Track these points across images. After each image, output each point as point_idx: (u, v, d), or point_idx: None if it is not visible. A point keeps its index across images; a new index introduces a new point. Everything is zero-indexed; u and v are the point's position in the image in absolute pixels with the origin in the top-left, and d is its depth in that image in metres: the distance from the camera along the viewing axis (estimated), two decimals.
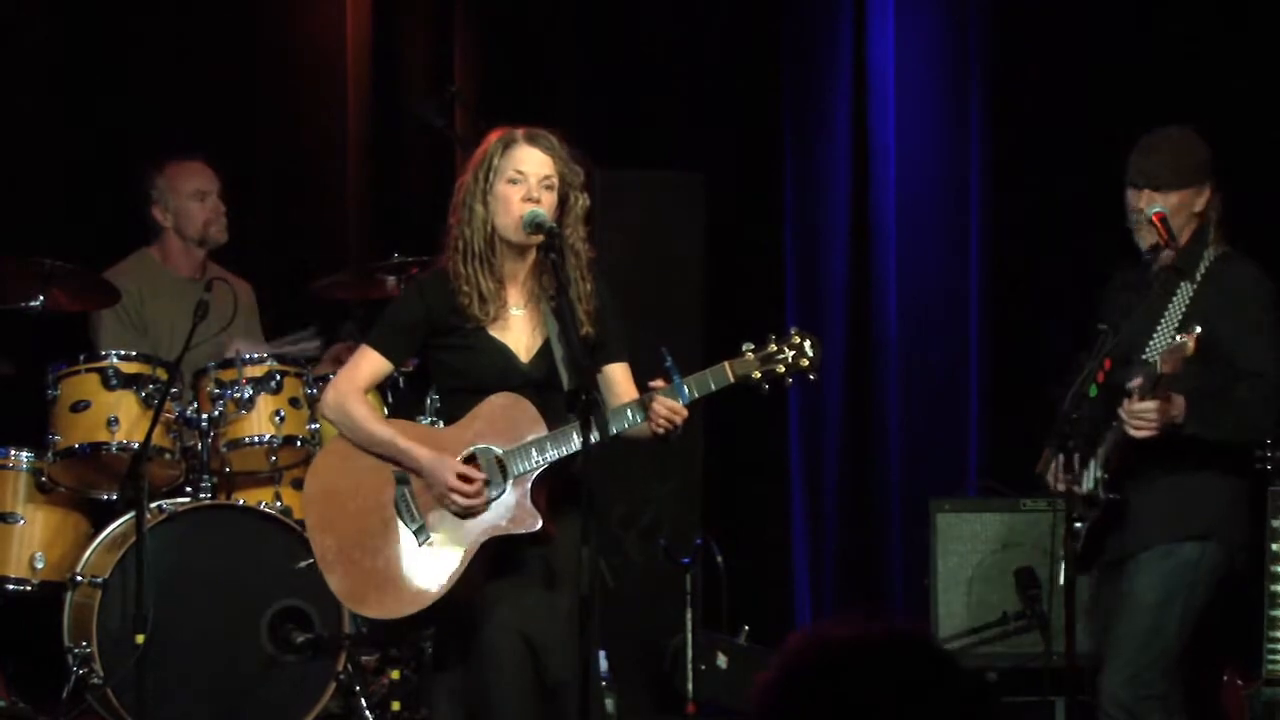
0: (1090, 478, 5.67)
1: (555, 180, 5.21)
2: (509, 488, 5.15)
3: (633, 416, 5.11)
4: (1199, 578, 5.68)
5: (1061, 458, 5.56)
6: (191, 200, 7.61)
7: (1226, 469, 5.67)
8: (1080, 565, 5.70)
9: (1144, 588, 5.63)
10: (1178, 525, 5.67)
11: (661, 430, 5.11)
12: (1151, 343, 5.61)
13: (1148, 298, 5.66)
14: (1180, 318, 5.60)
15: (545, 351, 5.23)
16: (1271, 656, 6.45)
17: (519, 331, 5.26)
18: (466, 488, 5.13)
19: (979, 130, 8.45)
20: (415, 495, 5.19)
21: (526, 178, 5.18)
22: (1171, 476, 5.61)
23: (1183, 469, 5.60)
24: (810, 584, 8.75)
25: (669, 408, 5.08)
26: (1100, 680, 5.62)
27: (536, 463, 5.13)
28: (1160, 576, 5.65)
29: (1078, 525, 5.68)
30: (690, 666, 7.32)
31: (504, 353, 5.23)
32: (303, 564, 6.43)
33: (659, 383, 5.10)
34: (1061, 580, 5.70)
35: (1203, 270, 5.63)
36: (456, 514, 5.16)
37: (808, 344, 5.21)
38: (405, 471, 5.21)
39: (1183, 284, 5.65)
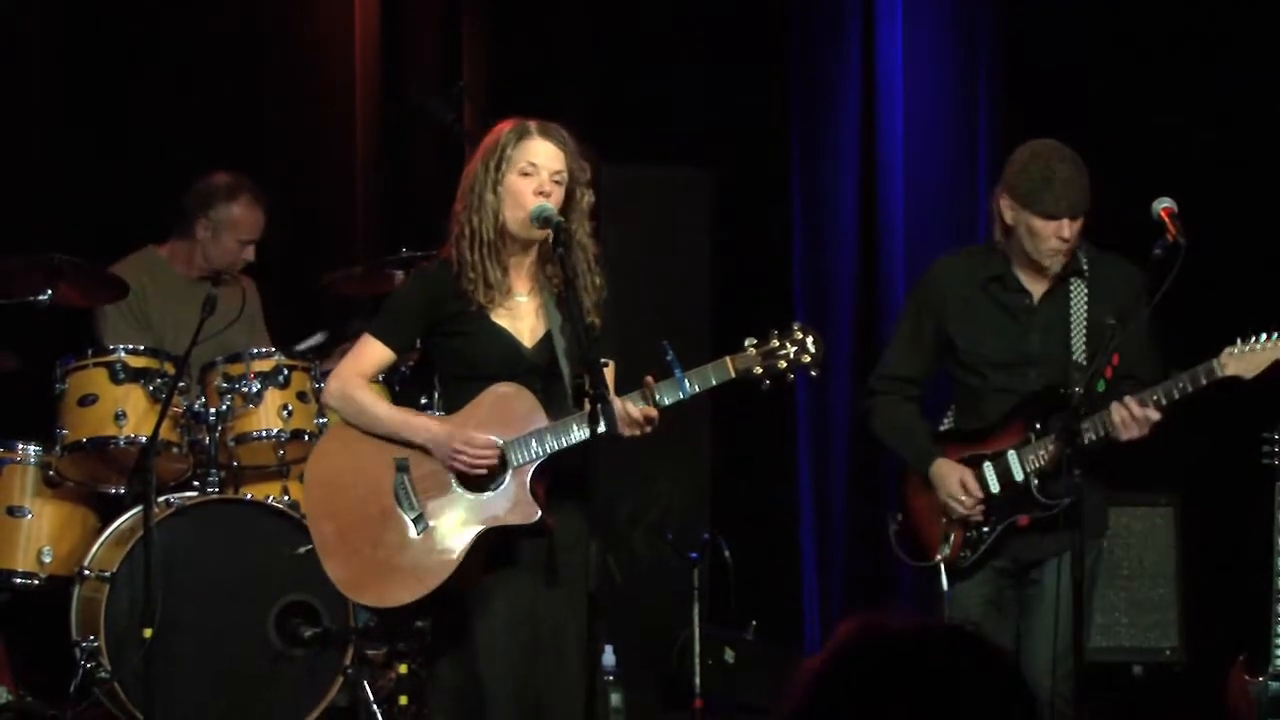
0: (1019, 472, 5.70)
1: (565, 175, 5.21)
2: (509, 478, 5.15)
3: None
4: (1099, 574, 5.97)
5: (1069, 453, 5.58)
6: (238, 242, 7.57)
7: (1104, 470, 5.75)
8: (970, 568, 5.78)
9: (1065, 589, 5.62)
10: (1081, 529, 5.72)
11: (631, 432, 5.09)
12: (1074, 344, 5.66)
13: (1048, 304, 5.77)
14: (1085, 318, 5.70)
15: (548, 340, 5.23)
16: (1278, 650, 6.46)
17: (523, 318, 5.26)
18: (472, 448, 5.13)
19: (987, 127, 8.43)
20: (415, 483, 5.19)
21: (539, 171, 5.18)
22: (1082, 479, 5.66)
23: (1087, 472, 5.65)
24: (818, 579, 8.75)
25: (644, 411, 5.07)
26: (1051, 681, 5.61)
27: (536, 453, 5.12)
28: (1072, 572, 5.66)
29: (984, 530, 5.72)
30: (697, 662, 7.33)
31: (507, 338, 5.22)
32: (302, 549, 6.44)
33: (649, 379, 5.09)
34: (944, 584, 5.79)
35: (1085, 267, 5.75)
36: (462, 482, 5.15)
37: (810, 340, 5.20)
38: (405, 459, 5.21)
39: (1074, 283, 5.76)
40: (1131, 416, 5.51)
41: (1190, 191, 5.77)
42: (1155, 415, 5.50)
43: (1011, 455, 5.71)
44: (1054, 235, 5.64)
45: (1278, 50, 7.68)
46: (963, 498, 5.72)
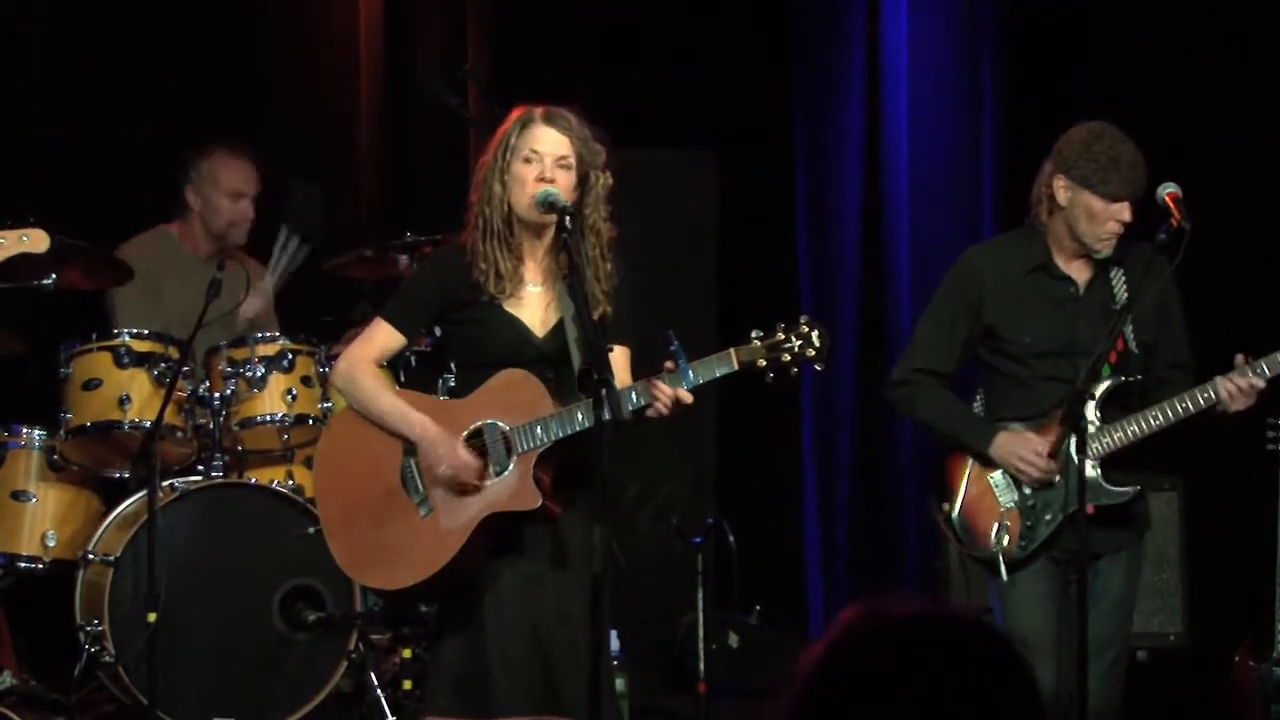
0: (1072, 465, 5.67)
1: (572, 159, 5.22)
2: (512, 465, 5.16)
3: (636, 399, 5.11)
4: (1142, 568, 5.99)
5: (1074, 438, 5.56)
6: (225, 197, 7.58)
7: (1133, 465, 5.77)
8: (1026, 560, 5.74)
9: (1116, 588, 5.70)
10: (1138, 526, 5.81)
11: (664, 411, 5.10)
12: (1126, 331, 5.66)
13: (1095, 291, 5.76)
14: (1125, 302, 5.68)
15: (560, 328, 5.23)
16: None
17: (534, 307, 5.27)
18: (454, 461, 5.14)
19: (992, 110, 8.43)
20: (421, 467, 5.21)
21: (542, 157, 5.19)
22: (1135, 475, 5.71)
23: (1139, 468, 5.68)
24: (822, 564, 8.75)
25: (677, 392, 5.07)
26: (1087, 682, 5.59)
27: (541, 440, 5.13)
28: (1127, 576, 5.77)
29: (1046, 519, 5.69)
30: (701, 646, 7.33)
31: (518, 327, 5.23)
32: (311, 529, 6.46)
33: (669, 364, 5.09)
34: (1004, 575, 5.73)
35: (1114, 252, 5.75)
36: (449, 486, 5.17)
37: (815, 334, 5.18)
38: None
39: (1114, 270, 5.76)
40: (1239, 389, 5.55)
41: (1195, 177, 5.77)
42: (1261, 384, 5.55)
43: (1073, 444, 5.67)
44: (1114, 218, 5.63)
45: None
46: (1039, 461, 5.64)
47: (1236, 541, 7.28)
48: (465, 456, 5.16)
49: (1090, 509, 5.58)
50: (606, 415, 4.87)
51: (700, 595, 7.37)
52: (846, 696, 2.29)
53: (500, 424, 5.17)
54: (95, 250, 7.09)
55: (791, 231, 8.88)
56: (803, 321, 5.19)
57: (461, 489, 5.18)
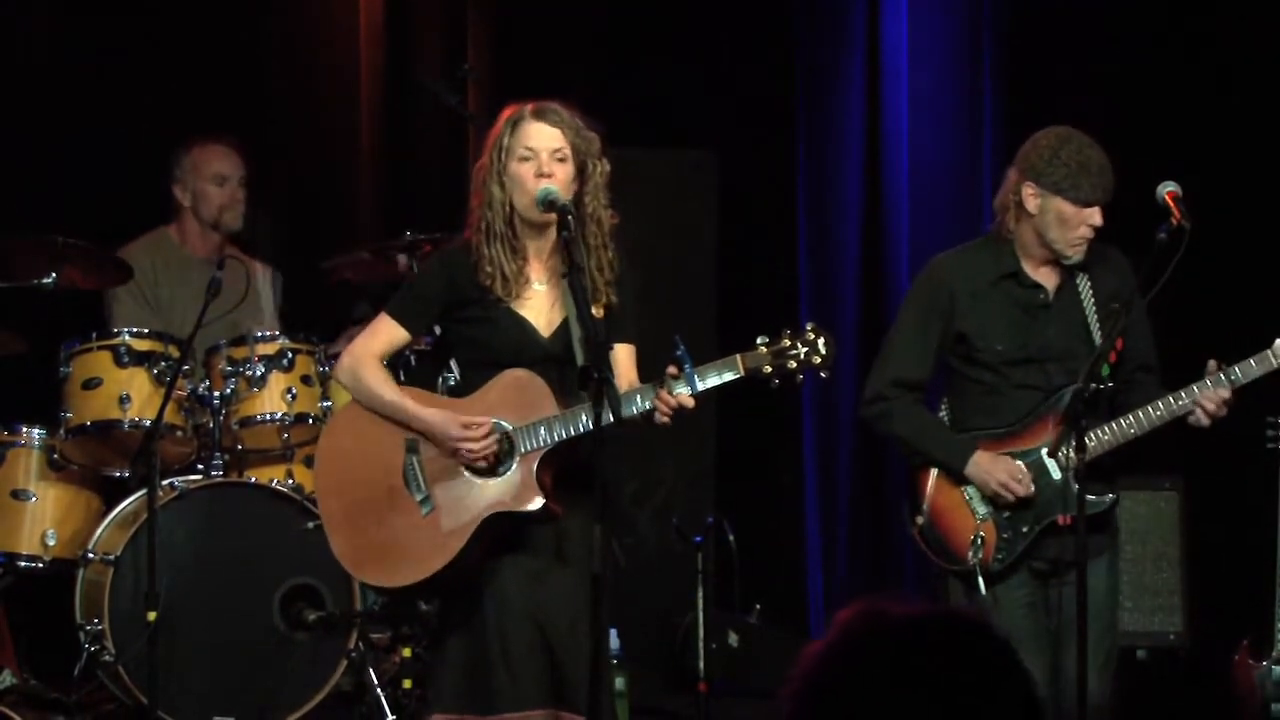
0: (1056, 470, 5.65)
1: (567, 151, 5.22)
2: (515, 465, 5.16)
3: (642, 402, 5.11)
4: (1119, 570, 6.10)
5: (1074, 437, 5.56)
6: (211, 183, 7.61)
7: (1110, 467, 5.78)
8: (1005, 571, 5.72)
9: (1101, 591, 5.68)
10: (1112, 529, 5.84)
11: (666, 420, 5.11)
12: (1095, 336, 5.65)
13: (1061, 297, 5.76)
14: (1095, 309, 5.70)
15: (565, 328, 5.23)
16: None
17: (540, 306, 5.27)
18: (472, 433, 5.13)
19: (992, 110, 8.43)
20: (423, 465, 5.21)
21: (537, 153, 5.19)
22: (1111, 479, 5.73)
23: (1116, 470, 5.71)
24: (822, 563, 8.75)
25: (679, 399, 5.07)
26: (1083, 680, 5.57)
27: (544, 441, 5.13)
28: (1108, 579, 5.79)
29: (1023, 530, 5.67)
30: (701, 645, 7.33)
31: (523, 326, 5.23)
32: (310, 524, 6.46)
33: (673, 369, 5.09)
34: (982, 589, 5.70)
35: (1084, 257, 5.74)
36: (469, 467, 5.17)
37: (821, 341, 5.18)
38: (416, 440, 5.22)
39: (1080, 276, 5.75)
40: (1215, 406, 5.55)
41: (1195, 177, 5.77)
42: (1226, 394, 5.56)
43: (1044, 454, 5.66)
44: (1084, 223, 5.61)
45: None
46: (1016, 486, 5.64)
47: (1236, 541, 7.28)
48: (480, 422, 5.14)
49: (1066, 520, 5.57)
50: (606, 415, 4.86)
51: (700, 595, 7.37)
52: (845, 696, 2.29)
53: (504, 424, 5.17)
54: (95, 250, 7.10)
55: (791, 231, 8.88)
56: (809, 328, 5.19)
57: (474, 474, 5.17)
